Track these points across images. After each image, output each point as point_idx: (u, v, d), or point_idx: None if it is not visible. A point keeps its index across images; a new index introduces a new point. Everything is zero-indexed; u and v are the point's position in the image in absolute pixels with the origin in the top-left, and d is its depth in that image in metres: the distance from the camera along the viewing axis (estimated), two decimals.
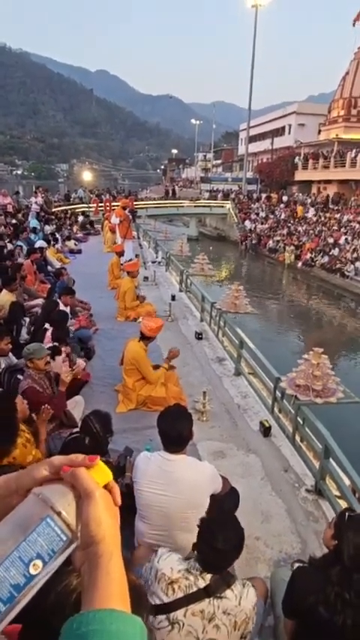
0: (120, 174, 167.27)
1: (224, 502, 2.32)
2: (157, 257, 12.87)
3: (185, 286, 9.22)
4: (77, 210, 22.39)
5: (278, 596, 1.94)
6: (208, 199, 32.65)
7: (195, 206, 31.00)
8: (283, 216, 27.05)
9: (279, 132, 37.30)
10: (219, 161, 58.85)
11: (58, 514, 0.50)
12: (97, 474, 0.55)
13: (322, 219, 23.95)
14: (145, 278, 9.78)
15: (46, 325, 4.72)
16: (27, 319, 5.67)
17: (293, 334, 14.41)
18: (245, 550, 2.65)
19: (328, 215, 24.05)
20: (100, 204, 22.18)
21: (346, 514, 1.73)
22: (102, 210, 20.93)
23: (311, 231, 23.04)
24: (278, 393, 4.10)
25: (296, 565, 1.96)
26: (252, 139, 36.96)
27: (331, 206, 25.22)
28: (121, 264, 8.80)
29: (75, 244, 14.36)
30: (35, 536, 0.49)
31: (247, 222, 27.94)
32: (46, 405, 2.97)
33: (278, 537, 2.82)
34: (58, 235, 13.49)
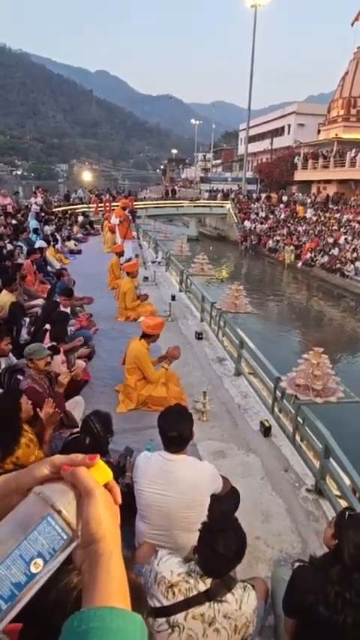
0: (120, 175, 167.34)
1: (225, 505, 2.32)
2: (157, 257, 12.87)
3: (185, 286, 9.22)
4: (77, 210, 22.40)
5: (279, 595, 1.94)
6: (207, 199, 32.67)
7: (195, 206, 31.01)
8: (282, 216, 27.06)
9: (278, 132, 37.31)
10: (219, 161, 58.86)
11: (59, 513, 0.51)
12: (98, 473, 0.55)
13: (322, 219, 23.96)
14: (145, 278, 9.77)
15: (47, 326, 4.71)
16: (27, 319, 5.67)
17: (293, 334, 14.41)
18: (246, 550, 2.66)
19: (327, 215, 24.06)
20: (100, 205, 22.19)
21: (346, 513, 1.73)
22: (102, 210, 20.93)
23: (311, 231, 23.04)
24: (278, 393, 4.10)
25: (297, 564, 1.97)
26: (252, 139, 36.97)
27: (330, 206, 25.22)
28: (121, 265, 8.80)
29: (75, 244, 14.37)
30: (36, 534, 0.49)
31: (247, 222, 27.94)
32: (56, 408, 2.97)
33: (279, 537, 2.82)
34: (58, 235, 13.50)
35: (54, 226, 14.57)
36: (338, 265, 18.82)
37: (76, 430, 2.98)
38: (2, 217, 12.78)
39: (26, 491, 0.54)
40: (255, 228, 27.18)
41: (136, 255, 10.98)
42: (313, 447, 3.49)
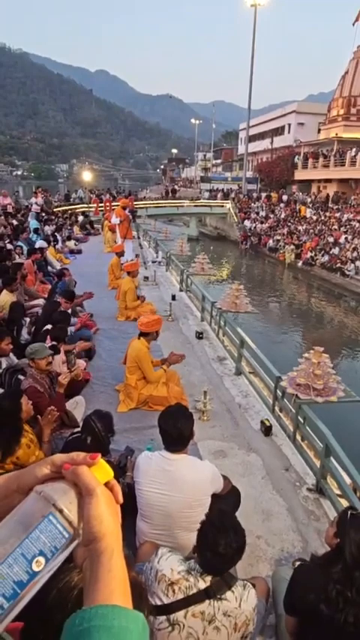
0: (120, 174, 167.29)
1: (224, 504, 2.33)
2: (157, 257, 12.87)
3: (185, 286, 9.22)
4: (77, 210, 22.40)
5: (280, 594, 1.94)
6: (208, 199, 32.67)
7: (195, 206, 31.02)
8: (283, 215, 27.05)
9: (279, 131, 37.29)
10: (219, 161, 58.84)
11: (60, 511, 0.51)
12: (99, 472, 0.55)
13: (322, 218, 23.95)
14: (146, 278, 9.78)
15: (48, 326, 4.71)
16: (27, 319, 5.68)
17: (294, 333, 14.40)
18: (247, 549, 2.65)
19: (328, 214, 24.05)
20: (100, 205, 22.19)
21: (349, 512, 1.73)
22: (102, 210, 20.94)
23: (311, 231, 23.03)
24: (279, 392, 4.10)
25: (297, 564, 1.97)
26: (252, 139, 36.95)
27: (330, 205, 25.21)
28: (121, 264, 8.80)
29: (75, 244, 14.37)
30: (38, 533, 0.49)
31: (247, 222, 27.93)
32: (53, 407, 2.97)
33: (279, 536, 2.82)
34: (58, 235, 13.50)
35: (54, 226, 14.58)
36: (338, 264, 18.81)
37: (77, 430, 2.98)
38: (2, 217, 12.79)
39: (28, 490, 0.54)
40: (255, 227, 27.17)
41: (137, 255, 10.99)
42: (314, 446, 3.49)
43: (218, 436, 3.93)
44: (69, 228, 16.42)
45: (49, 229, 13.69)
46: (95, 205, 22.92)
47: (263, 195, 31.62)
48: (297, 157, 30.63)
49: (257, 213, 28.77)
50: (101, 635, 0.43)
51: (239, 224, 28.40)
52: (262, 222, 27.37)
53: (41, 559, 0.49)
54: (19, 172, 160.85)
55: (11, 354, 4.16)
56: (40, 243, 10.31)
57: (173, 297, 8.19)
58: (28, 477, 0.56)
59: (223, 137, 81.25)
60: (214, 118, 60.02)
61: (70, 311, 5.83)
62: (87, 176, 46.00)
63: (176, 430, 2.24)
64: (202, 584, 1.59)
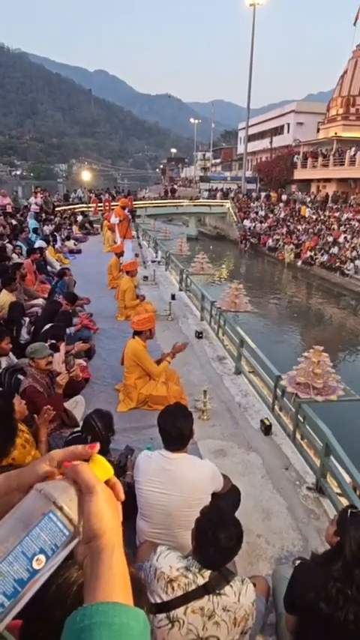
0: (119, 174, 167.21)
1: (224, 503, 2.33)
2: (156, 256, 12.86)
3: (185, 285, 9.22)
4: (76, 210, 22.39)
5: (280, 593, 1.95)
6: (207, 198, 32.67)
7: (194, 205, 31.02)
8: (282, 214, 27.05)
9: (278, 131, 37.31)
10: (218, 160, 58.84)
11: (60, 509, 0.51)
12: (98, 470, 0.55)
13: (322, 217, 23.95)
14: (145, 277, 9.78)
15: (48, 326, 4.71)
16: (27, 319, 5.67)
17: (293, 332, 14.41)
18: (247, 548, 2.67)
19: (327, 213, 24.05)
20: (100, 204, 22.18)
21: (349, 511, 1.73)
22: (101, 210, 20.93)
23: (311, 230, 23.04)
24: (279, 391, 4.10)
25: (297, 562, 1.97)
26: (251, 138, 36.95)
27: (330, 204, 25.21)
28: (120, 264, 8.80)
29: (74, 244, 14.36)
30: (38, 531, 0.49)
31: (247, 221, 27.94)
32: (48, 406, 2.97)
33: (279, 535, 2.82)
34: (57, 235, 13.49)
35: (52, 226, 14.59)
36: (338, 264, 18.82)
37: (76, 429, 2.98)
38: (1, 217, 12.78)
39: (28, 488, 0.54)
40: (255, 227, 27.18)
41: (136, 255, 10.98)
42: (314, 445, 3.49)
43: (218, 435, 3.93)
44: (68, 228, 16.42)
45: (48, 229, 13.70)
46: (94, 205, 22.91)
47: (262, 194, 31.63)
48: (296, 156, 30.64)
49: (257, 213, 28.79)
50: (102, 632, 0.43)
51: (239, 223, 28.41)
52: (261, 222, 27.38)
53: (42, 557, 0.49)
54: (18, 172, 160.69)
55: (11, 354, 4.15)
56: (39, 243, 10.31)
57: (173, 297, 8.19)
58: (29, 474, 0.56)
59: (223, 137, 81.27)
60: (213, 117, 60.02)
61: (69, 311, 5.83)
62: (86, 176, 45.96)
63: (176, 429, 2.24)
64: (201, 580, 1.60)
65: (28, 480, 0.55)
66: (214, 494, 2.27)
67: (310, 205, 26.51)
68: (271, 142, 35.76)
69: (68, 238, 14.56)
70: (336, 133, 27.64)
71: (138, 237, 15.05)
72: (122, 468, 2.79)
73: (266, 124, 39.76)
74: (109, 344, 5.83)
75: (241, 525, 1.68)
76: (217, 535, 1.58)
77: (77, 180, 60.62)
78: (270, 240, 24.70)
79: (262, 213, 28.59)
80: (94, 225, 19.10)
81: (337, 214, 23.20)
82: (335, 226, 21.93)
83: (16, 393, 3.32)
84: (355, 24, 27.43)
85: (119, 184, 65.65)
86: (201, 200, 32.34)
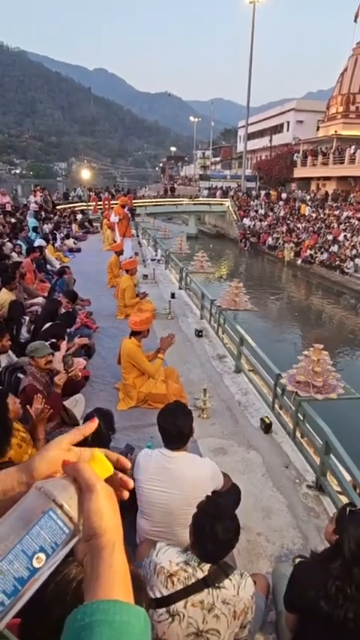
0: (119, 173, 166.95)
1: (220, 497, 2.34)
2: (156, 255, 12.86)
3: (185, 284, 9.21)
4: (76, 208, 22.36)
5: (280, 591, 1.95)
6: (207, 197, 32.63)
7: (194, 204, 30.98)
8: (282, 213, 27.03)
9: (277, 129, 37.27)
10: (218, 158, 58.77)
11: (60, 507, 0.51)
12: (99, 468, 0.55)
13: (322, 215, 23.93)
14: (145, 276, 9.77)
15: (47, 324, 4.71)
16: (27, 318, 5.67)
17: (293, 331, 14.42)
18: (247, 546, 2.67)
19: (327, 212, 24.04)
20: (99, 203, 22.15)
21: (347, 509, 1.73)
22: (101, 208, 20.91)
23: (310, 228, 23.03)
24: (279, 390, 4.11)
25: (297, 560, 1.97)
26: (251, 136, 36.90)
27: (330, 203, 25.19)
28: (120, 262, 8.80)
29: (74, 243, 14.35)
30: (38, 529, 0.49)
31: (247, 220, 27.92)
32: (45, 404, 2.97)
33: (279, 533, 2.83)
34: (57, 234, 13.48)
35: (51, 225, 14.58)
36: (338, 262, 18.81)
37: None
38: (1, 216, 12.77)
39: (28, 486, 0.54)
40: (254, 225, 27.16)
41: (136, 253, 10.97)
42: (314, 443, 3.50)
43: (218, 434, 3.94)
44: (68, 226, 16.40)
45: (47, 228, 13.69)
46: (94, 204, 22.88)
47: (262, 193, 31.60)
48: (296, 154, 30.60)
49: (256, 211, 28.76)
50: (103, 630, 0.43)
51: (238, 222, 28.39)
52: (261, 220, 27.36)
53: (42, 555, 0.49)
54: (18, 171, 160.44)
55: (10, 353, 4.15)
56: (39, 242, 10.30)
57: (172, 295, 8.19)
58: (28, 472, 0.56)
59: (222, 135, 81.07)
60: (213, 115, 59.92)
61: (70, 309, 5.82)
62: (85, 174, 45.93)
63: (175, 428, 2.24)
64: (200, 574, 1.61)
65: (28, 478, 0.55)
66: (214, 493, 2.28)
67: (309, 204, 26.49)
68: (270, 141, 35.74)
69: (68, 237, 14.54)
70: (336, 131, 27.60)
71: (137, 236, 15.05)
72: None
73: (266, 122, 39.71)
74: (109, 342, 5.83)
75: (238, 518, 1.69)
76: (214, 528, 1.59)
77: (77, 179, 60.55)
78: (270, 239, 24.69)
79: (261, 211, 28.57)
80: (94, 224, 19.08)
81: (336, 213, 23.18)
82: (335, 225, 21.92)
83: (15, 391, 3.33)
84: (355, 21, 27.35)
85: (119, 183, 65.52)
86: (201, 199, 32.30)
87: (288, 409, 4.00)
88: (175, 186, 39.73)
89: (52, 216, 16.17)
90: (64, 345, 4.41)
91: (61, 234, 14.14)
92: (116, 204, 13.98)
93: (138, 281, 8.70)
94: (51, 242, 11.73)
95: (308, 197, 27.71)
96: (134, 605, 0.47)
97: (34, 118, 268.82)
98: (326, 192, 26.66)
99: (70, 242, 14.11)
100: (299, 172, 30.10)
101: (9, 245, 9.59)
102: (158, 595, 1.60)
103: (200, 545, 1.63)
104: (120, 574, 0.49)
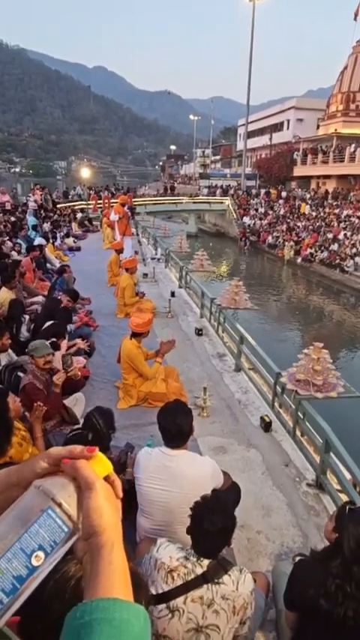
0: (118, 171, 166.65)
1: (219, 491, 2.34)
2: (156, 254, 12.85)
3: (185, 282, 9.21)
4: (76, 207, 22.34)
5: (280, 589, 1.95)
6: (206, 195, 32.60)
7: (194, 202, 30.95)
8: (282, 211, 27.00)
9: (277, 127, 37.20)
10: (217, 157, 58.69)
11: (59, 505, 0.51)
12: (97, 466, 0.55)
13: (322, 214, 23.91)
14: (145, 275, 9.77)
15: (48, 323, 4.70)
16: (27, 317, 5.66)
17: (293, 329, 14.42)
18: (247, 544, 2.68)
19: (327, 210, 24.01)
20: (99, 201, 22.12)
21: (347, 507, 1.73)
22: (100, 207, 20.88)
23: (310, 227, 23.01)
24: (279, 388, 4.11)
25: (297, 559, 1.97)
26: (250, 135, 36.84)
27: (330, 201, 25.16)
28: (120, 261, 8.79)
29: (74, 241, 14.34)
30: (37, 527, 0.49)
31: (246, 218, 27.89)
32: (39, 402, 2.96)
33: (279, 531, 2.83)
34: (57, 232, 13.47)
35: (50, 223, 14.56)
36: (338, 261, 18.80)
37: (76, 427, 2.98)
38: (1, 215, 12.76)
39: (27, 484, 0.54)
40: (254, 224, 27.13)
41: (135, 252, 10.97)
42: (314, 441, 3.50)
43: (218, 432, 3.94)
44: (67, 225, 16.38)
45: (47, 226, 13.68)
46: (94, 202, 22.86)
47: (262, 191, 31.57)
48: (296, 153, 30.54)
49: (256, 210, 28.74)
50: (102, 628, 0.43)
51: (238, 221, 28.36)
52: (261, 219, 27.34)
53: (40, 554, 0.49)
54: (17, 169, 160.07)
55: (10, 351, 4.15)
56: (38, 241, 10.29)
57: (172, 294, 8.18)
58: (27, 471, 0.56)
59: (222, 133, 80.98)
60: (213, 114, 59.79)
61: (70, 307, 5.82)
62: (85, 173, 45.84)
63: (175, 426, 2.24)
64: (200, 570, 1.62)
65: (28, 477, 0.55)
66: (214, 491, 2.28)
67: (309, 202, 26.45)
68: (270, 139, 35.67)
69: (68, 235, 14.53)
70: (336, 130, 27.56)
71: (137, 235, 15.04)
72: (122, 465, 2.79)
73: (266, 121, 39.63)
74: (109, 341, 5.83)
75: (235, 514, 1.72)
76: (202, 518, 1.61)
77: (76, 178, 60.43)
78: (270, 237, 24.67)
79: (261, 210, 28.54)
80: (94, 223, 19.06)
81: (336, 211, 23.15)
82: (335, 223, 21.90)
83: (16, 390, 3.33)
84: (355, 19, 27.29)
85: (118, 181, 65.49)
86: (200, 197, 32.26)
87: (288, 408, 4.00)
88: (175, 184, 39.69)
89: (51, 214, 16.15)
90: (64, 344, 4.41)
91: (61, 233, 14.13)
92: (116, 202, 13.97)
93: (138, 280, 8.69)
94: (51, 241, 11.72)
95: (308, 195, 27.67)
96: (134, 604, 0.47)
97: (34, 117, 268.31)
98: (326, 191, 26.63)
99: (69, 241, 14.10)
100: (299, 171, 30.05)
101: (9, 244, 9.58)
102: (159, 590, 1.61)
103: (193, 537, 1.66)
104: (119, 572, 0.49)
